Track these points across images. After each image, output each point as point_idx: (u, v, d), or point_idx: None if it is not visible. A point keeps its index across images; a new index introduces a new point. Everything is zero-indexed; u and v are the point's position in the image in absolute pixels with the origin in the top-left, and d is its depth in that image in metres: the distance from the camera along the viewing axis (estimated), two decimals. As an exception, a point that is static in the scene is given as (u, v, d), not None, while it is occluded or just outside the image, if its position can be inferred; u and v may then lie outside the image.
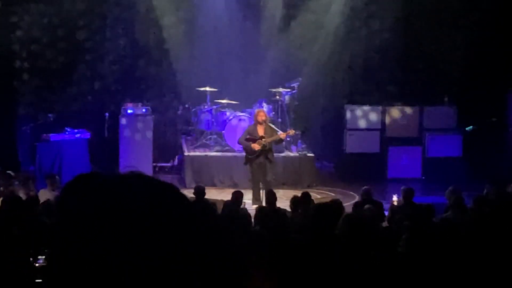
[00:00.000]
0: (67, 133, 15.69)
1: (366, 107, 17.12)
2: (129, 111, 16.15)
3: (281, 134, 14.13)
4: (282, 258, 5.13)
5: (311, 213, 6.48)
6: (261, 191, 13.55)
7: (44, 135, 15.52)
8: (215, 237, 1.40)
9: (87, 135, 15.87)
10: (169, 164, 17.30)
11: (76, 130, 15.82)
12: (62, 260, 1.34)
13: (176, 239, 1.34)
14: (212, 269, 1.36)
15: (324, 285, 5.09)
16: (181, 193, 1.42)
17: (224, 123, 16.07)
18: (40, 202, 10.12)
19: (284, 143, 15.55)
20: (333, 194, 14.73)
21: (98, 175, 1.41)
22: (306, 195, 10.67)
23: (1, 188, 12.14)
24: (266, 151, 13.75)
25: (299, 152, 16.26)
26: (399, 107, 17.19)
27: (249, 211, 10.82)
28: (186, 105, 17.13)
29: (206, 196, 11.51)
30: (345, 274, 5.14)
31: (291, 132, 14.91)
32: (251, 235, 5.63)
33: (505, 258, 6.09)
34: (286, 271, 5.01)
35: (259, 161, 13.73)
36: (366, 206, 9.66)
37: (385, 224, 9.95)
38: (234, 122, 15.98)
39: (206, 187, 12.25)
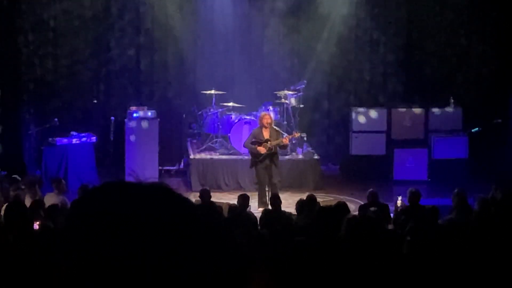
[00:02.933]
0: (73, 137, 15.72)
1: (371, 109, 17.11)
2: (135, 115, 16.16)
3: (283, 139, 14.07)
4: (287, 260, 5.14)
5: (315, 216, 6.50)
6: (267, 194, 13.57)
7: (50, 139, 15.56)
8: (221, 244, 1.43)
9: (93, 139, 15.90)
10: (175, 168, 17.32)
11: (82, 134, 15.85)
12: (74, 264, 1.36)
13: (185, 248, 1.36)
14: (216, 274, 1.38)
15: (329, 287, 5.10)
16: (193, 204, 1.46)
17: (229, 126, 16.08)
18: (46, 206, 10.14)
19: (290, 145, 15.51)
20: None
21: (119, 184, 1.44)
22: (311, 198, 10.67)
23: (10, 191, 12.15)
24: (271, 154, 13.77)
25: (305, 155, 16.26)
26: (405, 109, 17.18)
27: (254, 214, 10.84)
28: (192, 108, 17.14)
29: (211, 199, 11.53)
30: (350, 277, 5.15)
31: (296, 134, 14.90)
32: (256, 238, 5.65)
33: (509, 260, 6.09)
34: (290, 273, 5.02)
35: (264, 164, 13.75)
36: (372, 208, 9.65)
37: (390, 226, 9.95)
38: (239, 125, 15.99)
39: (211, 190, 12.27)
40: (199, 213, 1.43)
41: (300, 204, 10.51)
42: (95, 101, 17.22)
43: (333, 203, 10.75)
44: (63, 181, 12.53)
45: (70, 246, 1.37)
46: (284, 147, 14.28)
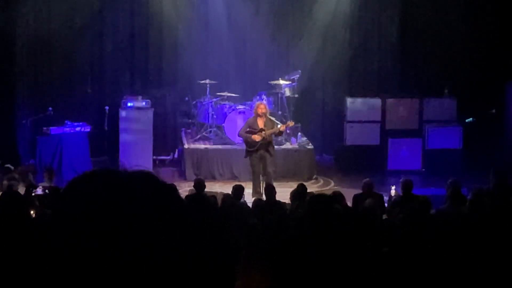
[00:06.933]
0: (67, 126, 15.69)
1: (366, 99, 17.09)
2: (129, 104, 16.14)
3: (280, 126, 14.17)
4: (279, 250, 5.14)
5: (309, 206, 6.50)
6: (261, 184, 13.58)
7: (44, 128, 15.52)
8: (211, 234, 1.43)
9: (87, 128, 15.87)
10: (169, 157, 17.30)
11: (76, 123, 15.81)
12: (58, 253, 1.35)
13: (173, 237, 1.36)
14: (207, 263, 1.38)
15: (321, 278, 5.11)
16: (179, 194, 1.46)
17: (224, 116, 16.07)
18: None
19: (284, 135, 15.60)
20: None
21: (104, 172, 1.43)
22: (301, 187, 10.71)
23: (4, 181, 12.14)
24: (266, 144, 13.78)
25: (299, 145, 16.27)
26: (399, 99, 17.18)
27: (248, 204, 10.85)
28: (186, 98, 17.12)
29: (206, 189, 11.52)
30: (342, 267, 5.16)
31: (291, 123, 14.91)
32: (248, 228, 5.65)
33: (502, 250, 6.11)
34: (284, 263, 5.03)
35: (259, 154, 13.75)
36: (367, 200, 9.62)
37: (385, 216, 9.96)
38: (234, 114, 15.98)
39: (206, 180, 12.26)
40: (183, 201, 1.44)
41: (294, 194, 10.52)
42: (89, 91, 17.18)
43: (329, 192, 10.79)
44: (54, 170, 12.51)
45: (55, 235, 1.37)
46: (279, 133, 14.36)
